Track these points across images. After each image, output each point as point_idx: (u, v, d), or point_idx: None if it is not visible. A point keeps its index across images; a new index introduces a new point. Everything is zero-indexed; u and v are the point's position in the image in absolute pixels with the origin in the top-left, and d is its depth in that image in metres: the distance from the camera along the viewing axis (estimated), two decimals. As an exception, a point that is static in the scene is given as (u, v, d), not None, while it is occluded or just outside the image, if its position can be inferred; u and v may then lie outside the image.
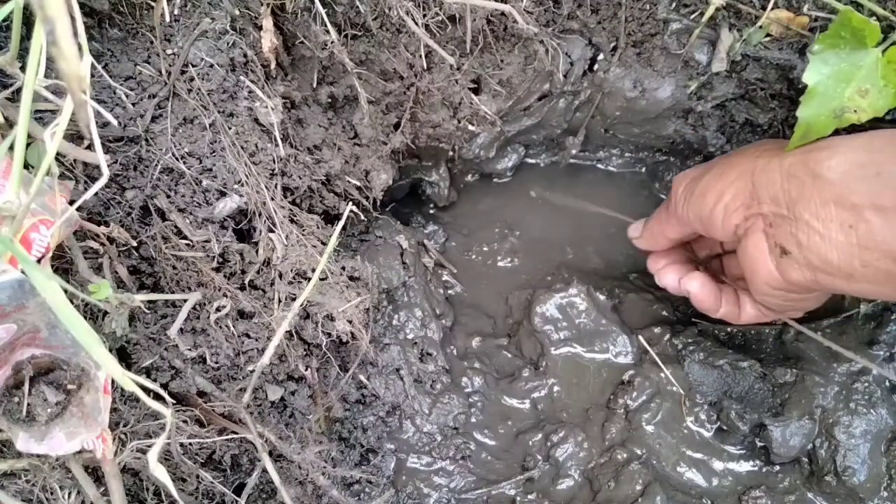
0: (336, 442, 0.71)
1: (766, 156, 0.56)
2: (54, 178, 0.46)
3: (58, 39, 0.24)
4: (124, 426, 0.54)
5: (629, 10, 0.70)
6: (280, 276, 0.60)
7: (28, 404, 0.48)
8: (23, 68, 0.45)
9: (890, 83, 0.53)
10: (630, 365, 0.77)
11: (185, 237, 0.57)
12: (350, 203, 0.69)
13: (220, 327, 0.58)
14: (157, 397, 0.49)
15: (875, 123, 0.55)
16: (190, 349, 0.56)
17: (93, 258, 0.54)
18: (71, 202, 0.49)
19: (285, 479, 0.62)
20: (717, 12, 0.67)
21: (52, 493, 0.50)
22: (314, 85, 0.67)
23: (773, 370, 0.72)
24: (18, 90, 0.48)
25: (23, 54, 0.44)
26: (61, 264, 0.52)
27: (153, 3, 0.54)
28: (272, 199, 0.59)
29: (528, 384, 0.77)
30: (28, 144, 0.45)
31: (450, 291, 0.85)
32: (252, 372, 0.57)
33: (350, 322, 0.62)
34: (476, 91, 0.74)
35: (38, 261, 0.45)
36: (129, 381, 0.36)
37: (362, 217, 0.74)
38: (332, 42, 0.61)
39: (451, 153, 0.81)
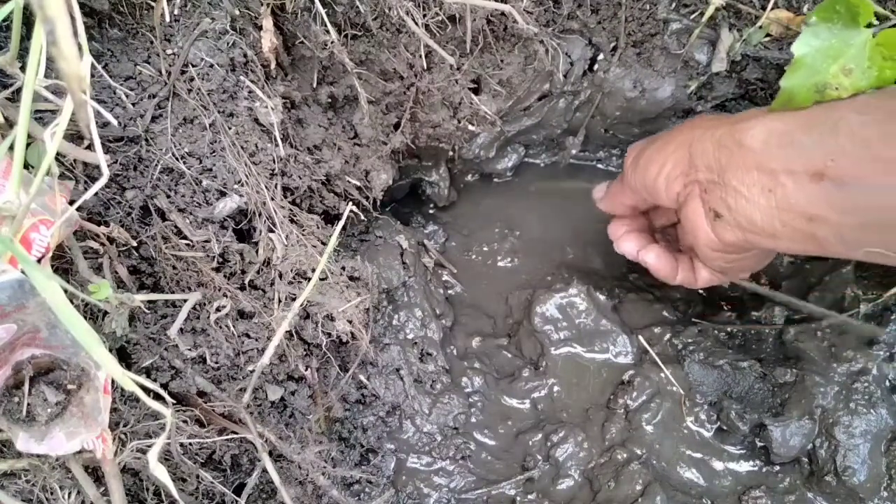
0: (336, 442, 0.71)
1: (702, 127, 0.59)
2: (54, 178, 0.46)
3: (58, 39, 0.24)
4: (124, 426, 0.54)
5: (629, 10, 0.70)
6: (280, 276, 0.60)
7: (28, 404, 0.48)
8: (23, 68, 0.45)
9: (874, 65, 0.53)
10: (630, 365, 0.77)
11: (185, 237, 0.57)
12: (350, 203, 0.69)
13: (220, 327, 0.58)
14: (157, 397, 0.49)
15: None
16: (190, 349, 0.56)
17: (93, 258, 0.54)
18: (71, 202, 0.49)
19: (285, 479, 0.62)
20: (717, 12, 0.67)
21: (52, 493, 0.50)
22: (314, 85, 0.67)
23: (773, 370, 0.72)
24: (18, 90, 0.48)
25: (23, 54, 0.44)
26: (61, 264, 0.52)
27: (153, 3, 0.54)
28: (272, 199, 0.59)
29: (528, 384, 0.77)
30: (28, 144, 0.45)
31: (450, 291, 0.85)
32: (252, 372, 0.57)
33: (350, 322, 0.62)
34: (476, 91, 0.74)
35: (38, 261, 0.45)
36: (129, 381, 0.36)
37: (362, 217, 0.74)
38: (332, 42, 0.61)
39: (451, 153, 0.81)
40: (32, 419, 0.48)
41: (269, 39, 0.60)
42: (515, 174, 0.89)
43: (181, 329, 0.56)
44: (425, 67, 0.68)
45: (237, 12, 0.57)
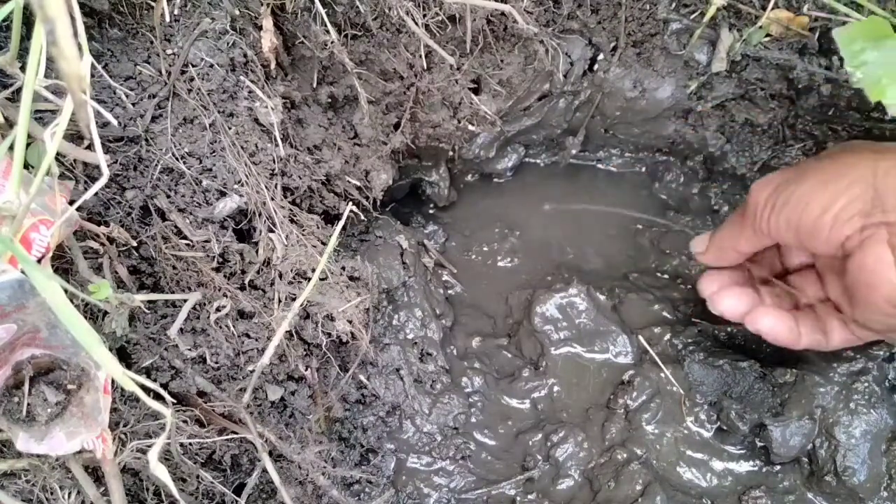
0: (336, 442, 0.71)
1: (891, 157, 0.51)
2: (54, 178, 0.46)
3: (58, 39, 0.24)
4: (124, 426, 0.54)
5: (629, 10, 0.70)
6: (280, 276, 0.60)
7: (28, 404, 0.48)
8: (23, 68, 0.45)
9: None
10: (630, 365, 0.77)
11: (185, 237, 0.57)
12: (350, 203, 0.69)
13: (220, 327, 0.58)
14: (157, 397, 0.49)
15: None
16: (190, 349, 0.56)
17: (93, 258, 0.54)
18: (71, 202, 0.49)
19: (285, 479, 0.62)
20: (718, 12, 0.67)
21: (52, 493, 0.50)
22: (314, 85, 0.67)
23: (773, 370, 0.72)
24: (18, 90, 0.48)
25: (23, 54, 0.44)
26: (61, 264, 0.52)
27: (153, 3, 0.54)
28: (272, 199, 0.59)
29: (528, 384, 0.77)
30: (28, 144, 0.45)
31: (450, 291, 0.85)
32: (252, 372, 0.57)
33: (350, 322, 0.62)
34: (476, 91, 0.74)
35: (38, 261, 0.45)
36: (129, 381, 0.36)
37: (362, 217, 0.74)
38: (332, 42, 0.61)
39: (451, 153, 0.81)
40: (32, 419, 0.48)
41: (269, 39, 0.60)
42: (515, 174, 0.89)
43: (181, 329, 0.56)
44: (425, 67, 0.68)
45: (237, 12, 0.57)
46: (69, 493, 0.50)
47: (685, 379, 0.74)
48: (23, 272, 0.41)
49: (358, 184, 0.72)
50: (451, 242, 0.88)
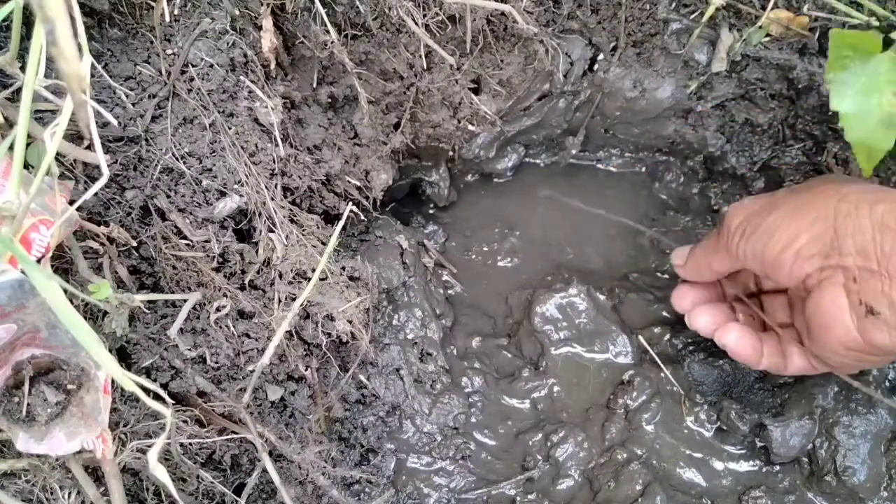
0: (336, 442, 0.71)
1: (851, 200, 0.50)
2: (54, 178, 0.46)
3: (58, 39, 0.24)
4: (124, 426, 0.54)
5: (629, 10, 0.71)
6: (280, 276, 0.60)
7: (28, 404, 0.48)
8: (23, 68, 0.45)
9: None
10: (630, 365, 0.77)
11: (185, 237, 0.57)
12: (350, 203, 0.69)
13: (220, 327, 0.58)
14: (157, 397, 0.49)
15: None
16: (190, 349, 0.56)
17: (93, 258, 0.54)
18: (71, 202, 0.49)
19: (285, 479, 0.62)
20: (717, 12, 0.67)
21: (52, 493, 0.50)
22: (314, 85, 0.67)
23: (773, 370, 0.72)
24: (18, 90, 0.48)
25: (23, 54, 0.44)
26: (61, 264, 0.52)
27: (153, 3, 0.54)
28: (272, 199, 0.59)
29: (528, 384, 0.77)
30: (28, 144, 0.45)
31: (450, 291, 0.85)
32: (252, 372, 0.57)
33: (350, 322, 0.62)
34: (476, 91, 0.74)
35: (38, 261, 0.45)
36: (129, 381, 0.36)
37: (362, 217, 0.74)
38: (332, 42, 0.61)
39: (451, 153, 0.81)
40: (32, 419, 0.48)
41: (269, 39, 0.60)
42: (515, 174, 0.89)
43: (181, 329, 0.56)
44: (425, 67, 0.68)
45: (237, 12, 0.57)
46: (69, 493, 0.50)
47: (685, 379, 0.74)
48: (23, 272, 0.41)
49: (358, 184, 0.72)
50: (451, 242, 0.88)
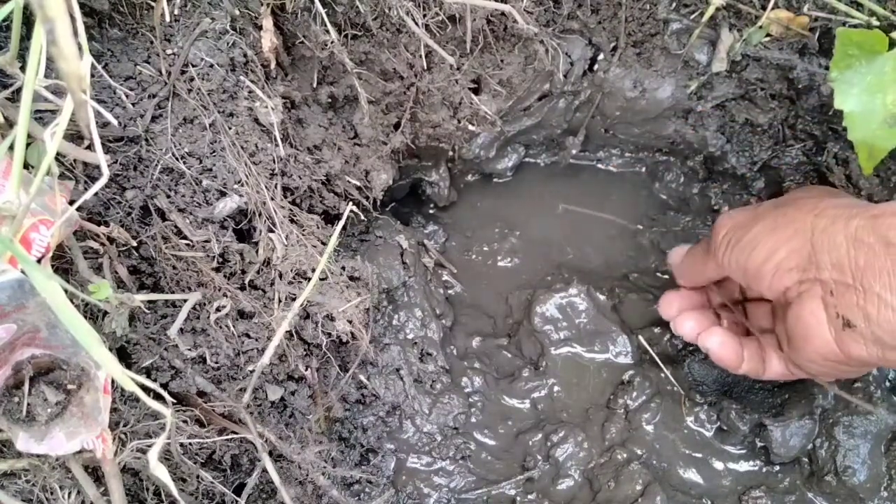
0: (336, 442, 0.71)
1: (827, 215, 0.51)
2: (54, 178, 0.46)
3: (58, 39, 0.24)
4: (124, 426, 0.54)
5: (629, 10, 0.70)
6: (280, 276, 0.60)
7: (28, 404, 0.48)
8: (23, 68, 0.45)
9: None
10: (630, 365, 0.77)
11: (185, 237, 0.57)
12: (350, 203, 0.69)
13: (220, 327, 0.58)
14: (157, 397, 0.49)
15: None
16: (190, 349, 0.56)
17: (93, 258, 0.54)
18: (71, 202, 0.49)
19: (285, 479, 0.62)
20: (717, 12, 0.67)
21: (52, 493, 0.50)
22: (314, 85, 0.67)
23: (773, 370, 0.72)
24: (18, 90, 0.48)
25: (23, 54, 0.44)
26: (61, 264, 0.52)
27: (153, 3, 0.54)
28: (272, 199, 0.59)
29: (528, 384, 0.77)
30: (28, 144, 0.45)
31: (450, 291, 0.85)
32: (252, 372, 0.57)
33: (350, 322, 0.62)
34: (476, 91, 0.74)
35: (38, 261, 0.45)
36: (129, 380, 0.36)
37: (362, 217, 0.74)
38: (332, 42, 0.61)
39: (451, 153, 0.81)
40: (32, 419, 0.48)
41: (269, 39, 0.60)
42: (515, 174, 0.89)
43: (181, 329, 0.56)
44: (425, 67, 0.68)
45: (237, 12, 0.57)
46: (69, 493, 0.50)
47: (685, 379, 0.74)
48: (23, 272, 0.41)
49: (358, 184, 0.72)
50: (451, 242, 0.88)
